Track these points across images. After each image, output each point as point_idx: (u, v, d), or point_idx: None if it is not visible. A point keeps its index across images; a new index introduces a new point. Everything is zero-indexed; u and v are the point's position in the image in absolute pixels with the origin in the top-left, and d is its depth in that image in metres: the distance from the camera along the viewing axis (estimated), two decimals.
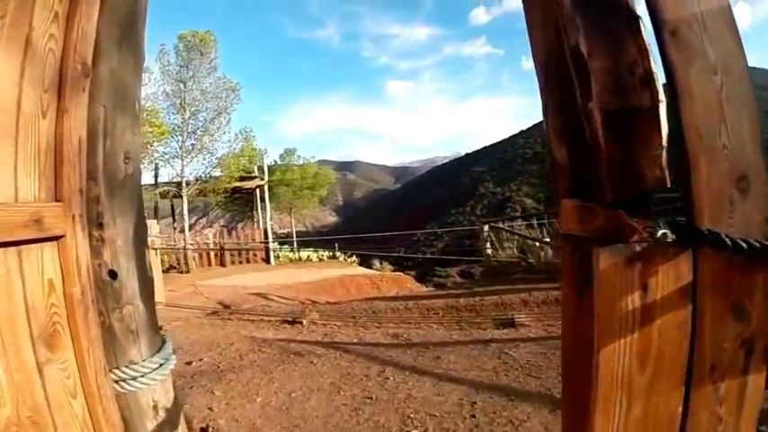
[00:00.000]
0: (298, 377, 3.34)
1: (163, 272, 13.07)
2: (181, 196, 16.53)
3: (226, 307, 8.22)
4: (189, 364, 3.92)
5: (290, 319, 5.43)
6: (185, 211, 16.89)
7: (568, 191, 0.84)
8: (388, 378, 3.16)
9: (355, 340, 4.34)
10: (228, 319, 6.16)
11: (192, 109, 16.60)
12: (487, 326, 4.34)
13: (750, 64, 0.81)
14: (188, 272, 15.06)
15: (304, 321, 5.25)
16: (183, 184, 16.34)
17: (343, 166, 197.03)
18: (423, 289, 13.63)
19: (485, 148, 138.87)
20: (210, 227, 28.77)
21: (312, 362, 3.65)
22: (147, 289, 1.09)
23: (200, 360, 4.01)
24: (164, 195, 17.25)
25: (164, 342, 1.13)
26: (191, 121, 16.60)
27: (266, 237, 17.38)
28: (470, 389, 2.87)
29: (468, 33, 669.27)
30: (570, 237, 0.83)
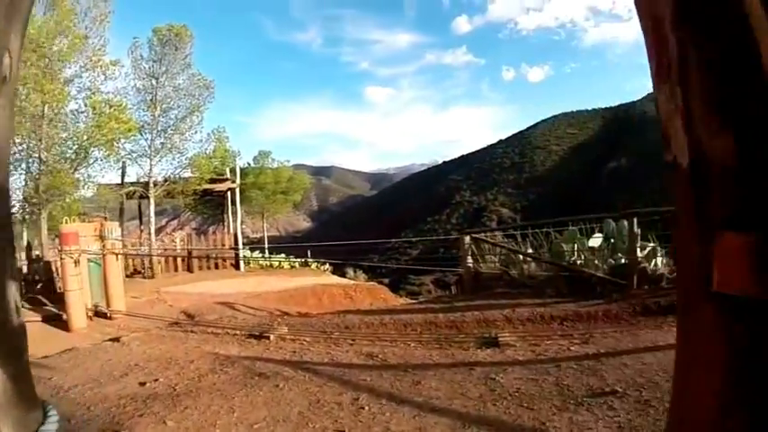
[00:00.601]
0: (261, 404, 2.99)
1: (126, 276, 12.48)
2: (148, 197, 15.79)
3: (190, 317, 7.76)
4: (143, 384, 3.54)
5: (256, 334, 5.05)
6: (152, 213, 16.13)
7: (734, 216, 0.46)
8: (362, 407, 2.83)
9: (326, 360, 3.99)
10: (191, 331, 5.75)
11: (164, 106, 15.93)
12: (470, 345, 4.06)
13: None
14: (152, 277, 14.46)
15: (271, 336, 4.88)
16: (151, 185, 15.60)
17: (319, 171, 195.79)
18: (398, 300, 13.35)
19: (462, 156, 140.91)
20: (182, 229, 27.94)
21: (278, 386, 3.30)
22: (10, 346, 0.73)
23: (156, 380, 3.63)
24: (130, 196, 16.48)
25: (46, 417, 0.78)
26: (161, 119, 15.91)
27: (236, 242, 16.82)
28: (456, 422, 2.56)
29: (449, 42, 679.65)
30: (726, 298, 0.48)
